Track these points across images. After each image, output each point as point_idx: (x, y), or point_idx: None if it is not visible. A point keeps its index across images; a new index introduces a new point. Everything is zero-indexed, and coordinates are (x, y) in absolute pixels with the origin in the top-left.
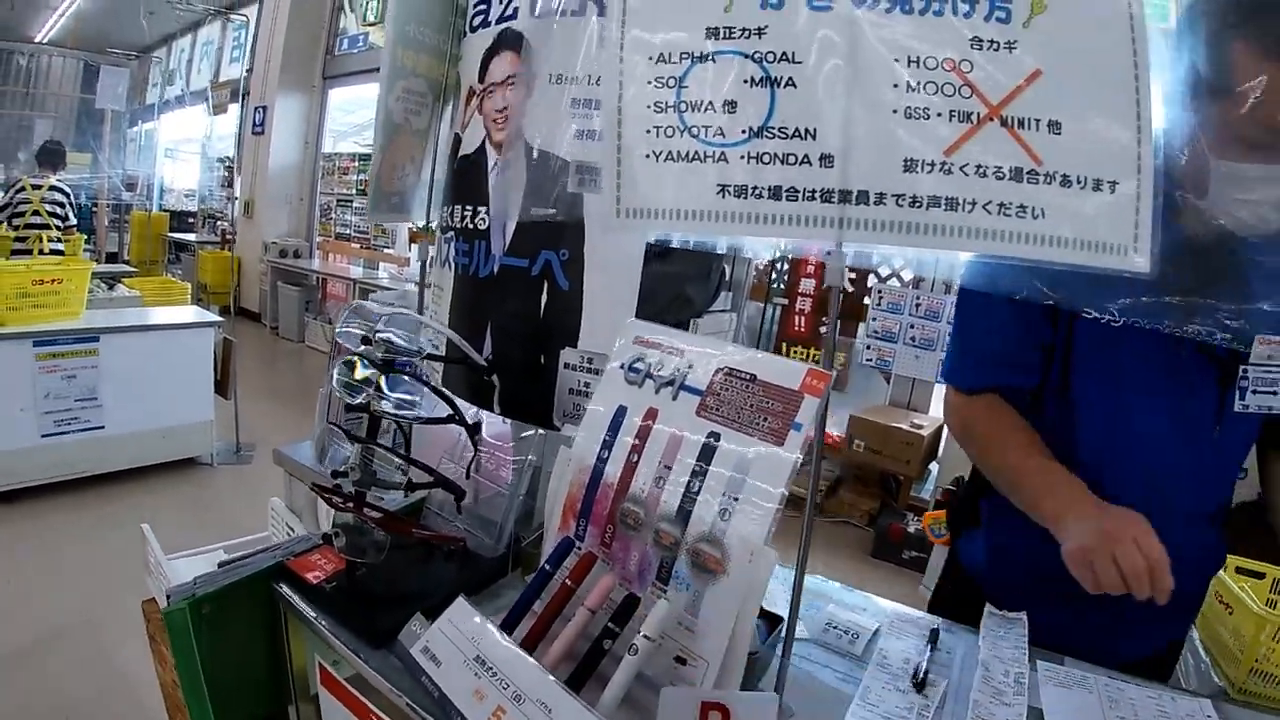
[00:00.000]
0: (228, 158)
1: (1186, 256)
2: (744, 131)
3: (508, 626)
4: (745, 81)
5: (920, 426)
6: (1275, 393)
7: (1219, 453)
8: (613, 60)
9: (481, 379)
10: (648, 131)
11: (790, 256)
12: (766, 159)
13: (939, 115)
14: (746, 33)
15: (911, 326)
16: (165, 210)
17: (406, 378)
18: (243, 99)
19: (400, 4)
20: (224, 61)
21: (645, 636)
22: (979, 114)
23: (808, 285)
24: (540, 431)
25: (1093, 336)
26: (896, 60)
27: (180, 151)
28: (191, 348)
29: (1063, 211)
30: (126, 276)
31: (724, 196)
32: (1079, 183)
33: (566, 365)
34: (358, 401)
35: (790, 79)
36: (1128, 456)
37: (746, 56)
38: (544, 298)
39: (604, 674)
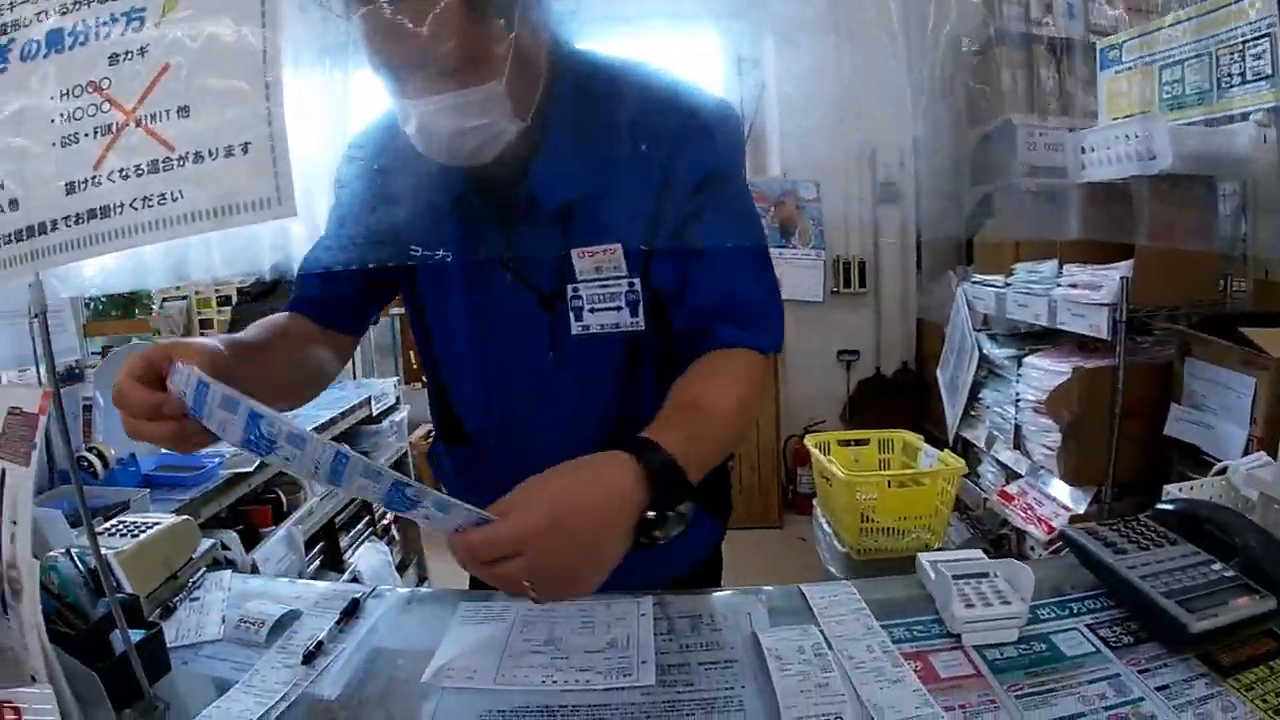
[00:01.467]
0: None
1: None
2: None
3: None
4: None
5: None
6: (619, 307)
7: (569, 382)
8: None
9: None
10: None
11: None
12: None
13: (86, 135)
14: None
15: None
16: None
17: None
18: None
19: None
20: None
21: None
22: (118, 122)
23: None
24: None
25: (427, 278)
26: (52, 98)
27: None
28: None
29: (201, 186)
30: None
31: None
32: (211, 155)
33: None
34: None
35: None
36: (479, 398)
37: None
38: None
39: None
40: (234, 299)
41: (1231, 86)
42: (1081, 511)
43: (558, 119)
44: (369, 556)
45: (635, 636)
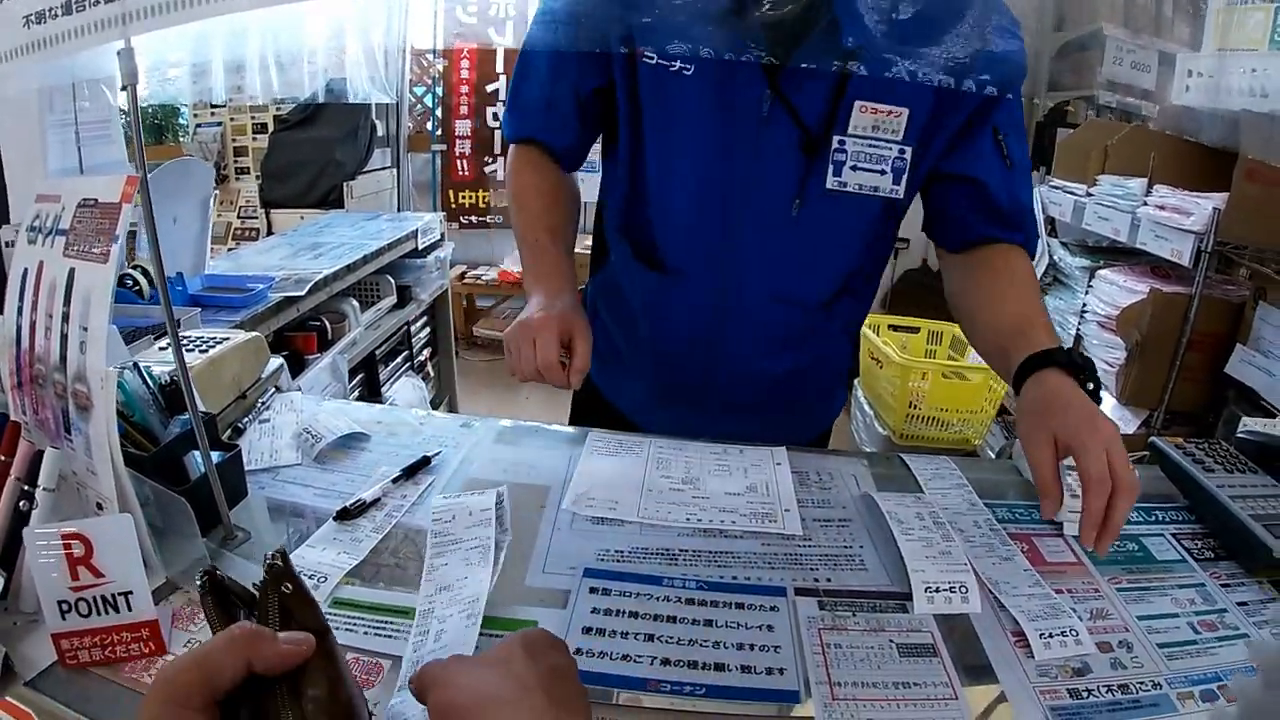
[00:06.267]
0: None
1: None
2: None
3: None
4: None
5: None
6: (883, 171)
7: (805, 236)
8: None
9: None
10: None
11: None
12: None
13: None
14: None
15: None
16: None
17: None
18: None
19: None
20: None
21: (43, 489)
22: None
23: (463, 127)
24: None
25: (656, 93)
26: None
27: None
28: None
29: None
30: None
31: (28, 26)
32: None
33: (8, 244)
34: None
35: None
36: (693, 232)
37: None
38: None
39: None
40: (270, 126)
41: None
42: (1131, 432)
43: None
44: (405, 390)
45: (774, 483)
